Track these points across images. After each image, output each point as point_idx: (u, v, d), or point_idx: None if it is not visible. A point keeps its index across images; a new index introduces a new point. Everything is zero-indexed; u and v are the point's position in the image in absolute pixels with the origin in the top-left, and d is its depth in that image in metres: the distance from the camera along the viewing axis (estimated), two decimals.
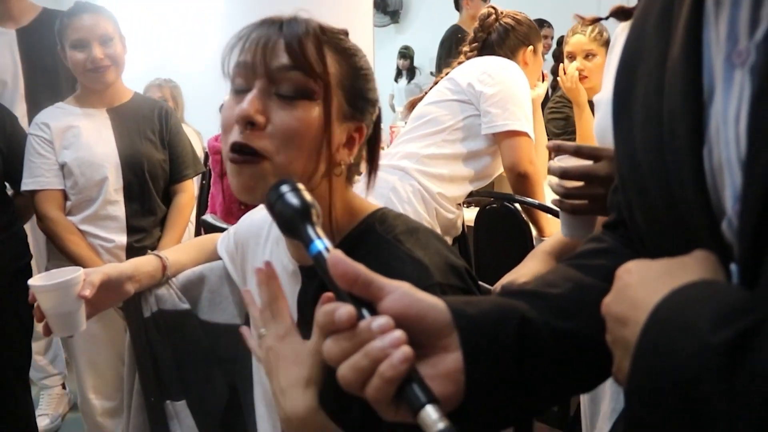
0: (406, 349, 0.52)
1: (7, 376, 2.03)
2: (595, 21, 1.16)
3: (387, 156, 2.08)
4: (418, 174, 2.00)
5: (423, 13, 5.67)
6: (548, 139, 2.30)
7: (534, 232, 2.09)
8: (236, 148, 0.82)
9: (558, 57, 4.10)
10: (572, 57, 2.72)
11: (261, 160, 0.82)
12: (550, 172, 1.07)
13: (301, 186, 0.67)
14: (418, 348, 0.54)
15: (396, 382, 0.51)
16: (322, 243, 0.60)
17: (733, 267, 0.50)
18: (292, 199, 0.65)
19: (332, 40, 0.87)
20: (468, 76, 2.06)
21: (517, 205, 2.06)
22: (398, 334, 0.52)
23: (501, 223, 2.14)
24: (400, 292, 0.56)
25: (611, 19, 1.12)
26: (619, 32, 1.16)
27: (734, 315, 0.43)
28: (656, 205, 0.57)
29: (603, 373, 0.62)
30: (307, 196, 0.66)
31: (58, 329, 1.08)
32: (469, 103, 2.03)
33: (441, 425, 0.49)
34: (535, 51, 2.20)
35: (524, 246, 2.07)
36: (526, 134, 2.00)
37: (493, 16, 2.19)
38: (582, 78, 2.69)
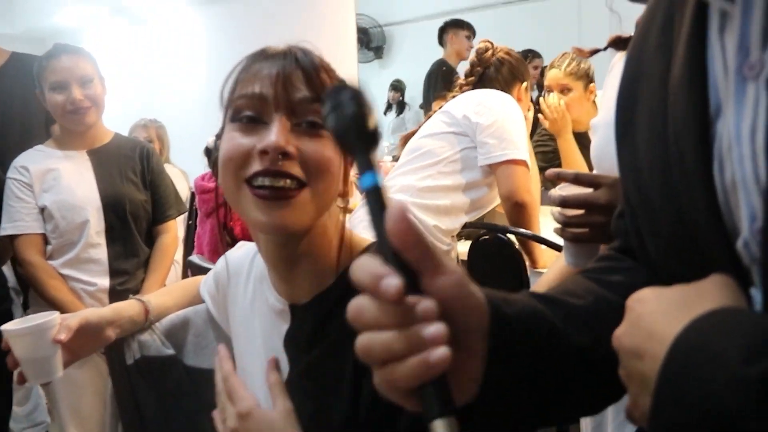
0: (445, 351, 0.44)
1: None
2: (595, 52, 1.16)
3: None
4: (414, 207, 1.97)
5: (406, 48, 5.71)
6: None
7: (528, 262, 2.06)
8: (270, 173, 0.77)
9: (541, 87, 4.12)
10: (550, 91, 2.76)
11: (300, 190, 0.78)
12: (551, 200, 1.06)
13: (365, 94, 0.52)
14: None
15: (424, 380, 0.45)
16: (379, 178, 0.47)
17: (754, 292, 0.47)
18: (363, 105, 0.50)
19: (333, 70, 0.86)
20: (463, 108, 2.06)
21: (511, 236, 2.04)
22: (442, 329, 0.45)
23: (494, 254, 2.11)
24: (455, 278, 0.48)
25: (609, 50, 1.12)
26: (617, 60, 1.16)
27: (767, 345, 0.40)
28: (666, 228, 0.54)
29: (617, 393, 0.58)
30: (371, 115, 0.51)
31: (33, 376, 1.03)
32: (464, 135, 2.03)
33: None
34: (527, 88, 2.25)
35: (518, 277, 2.04)
36: (523, 163, 1.99)
37: (491, 51, 2.21)
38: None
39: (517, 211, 2.00)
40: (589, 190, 1.03)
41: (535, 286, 1.28)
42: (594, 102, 2.78)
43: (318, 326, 0.87)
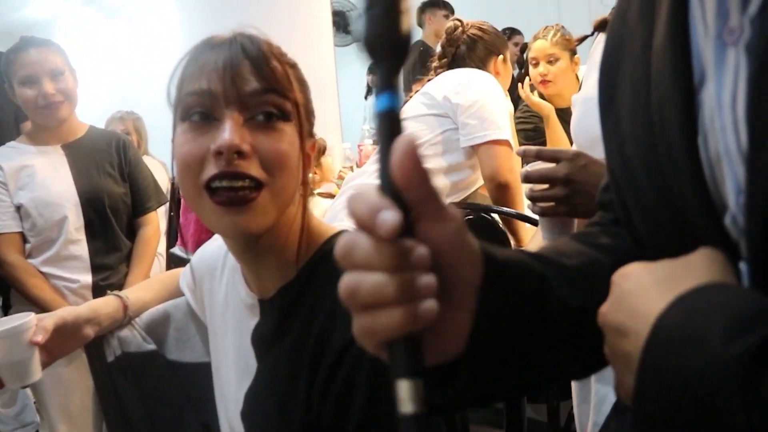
0: (433, 304, 0.42)
1: None
2: (583, 39, 1.17)
3: (363, 175, 2.05)
4: None
5: None
6: None
7: (513, 241, 2.06)
8: (228, 176, 0.73)
9: (522, 64, 4.11)
10: (536, 62, 2.73)
11: (258, 191, 0.75)
12: (520, 177, 1.12)
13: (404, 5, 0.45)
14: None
15: (405, 332, 0.42)
16: (396, 100, 0.44)
17: (743, 266, 0.46)
18: (386, 15, 0.44)
19: (283, 54, 0.83)
20: (443, 89, 2.03)
21: (495, 216, 2.03)
22: (433, 280, 0.42)
23: (479, 234, 2.10)
24: (454, 226, 0.45)
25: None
26: (600, 39, 1.16)
27: (750, 322, 0.38)
28: (651, 202, 0.53)
29: (600, 361, 0.56)
30: (407, 21, 0.45)
31: (11, 380, 1.01)
32: (446, 117, 2.00)
33: (409, 408, 0.41)
34: (504, 59, 2.20)
35: None
36: (506, 143, 1.97)
37: (460, 29, 2.17)
38: (545, 83, 2.69)
39: (501, 191, 1.99)
40: (552, 165, 1.07)
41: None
42: (577, 76, 2.77)
43: (281, 322, 0.86)
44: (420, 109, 2.05)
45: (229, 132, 0.74)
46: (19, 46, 1.91)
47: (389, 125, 0.43)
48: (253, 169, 0.75)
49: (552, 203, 1.08)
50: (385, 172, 0.43)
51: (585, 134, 1.11)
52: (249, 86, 0.76)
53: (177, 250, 2.01)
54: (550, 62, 2.68)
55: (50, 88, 1.88)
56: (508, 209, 2.00)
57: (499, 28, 4.49)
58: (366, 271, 0.42)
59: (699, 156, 0.47)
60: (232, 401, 0.96)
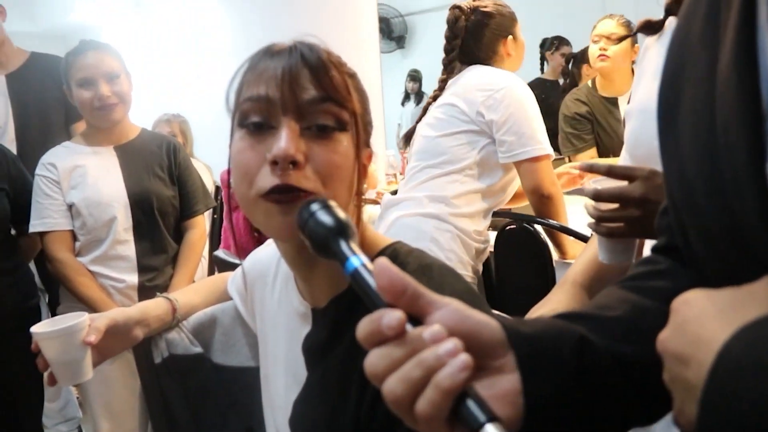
0: (465, 357, 0.45)
1: (21, 419, 2.00)
2: (623, 39, 1.13)
3: (408, 190, 2.00)
4: (452, 218, 1.91)
5: (428, 37, 5.67)
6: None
7: (555, 254, 2.03)
8: (281, 190, 0.74)
9: (568, 74, 4.06)
10: (598, 39, 2.78)
11: (307, 197, 0.75)
12: (584, 194, 1.03)
13: (332, 203, 0.61)
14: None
15: (454, 394, 0.45)
16: (358, 259, 0.54)
17: None
18: (324, 217, 0.59)
19: (343, 64, 0.83)
20: (472, 102, 1.94)
21: (537, 227, 2.01)
22: (455, 342, 0.46)
23: (520, 244, 2.09)
24: (451, 308, 0.50)
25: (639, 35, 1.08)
26: (648, 46, 1.12)
27: None
28: (714, 228, 0.51)
29: (667, 405, 0.56)
30: (341, 213, 0.60)
31: (63, 378, 1.03)
32: (483, 133, 1.94)
33: None
34: (515, 37, 2.07)
35: (544, 268, 2.02)
36: (546, 157, 1.93)
37: (462, 17, 2.03)
38: (603, 57, 2.75)
39: (544, 203, 1.96)
40: (624, 183, 0.99)
41: (562, 279, 1.24)
42: (632, 67, 2.82)
43: (333, 332, 0.85)
44: (455, 123, 1.96)
45: (285, 141, 0.74)
46: (78, 49, 1.96)
47: (360, 279, 0.52)
48: (305, 180, 0.75)
49: (622, 224, 1.01)
50: (374, 300, 0.50)
51: (646, 147, 1.05)
52: (307, 94, 0.76)
53: (221, 253, 2.03)
54: (610, 38, 2.74)
55: (106, 90, 1.92)
56: (550, 221, 1.98)
57: (547, 38, 4.49)
58: (397, 371, 0.47)
59: (766, 182, 0.46)
60: (280, 408, 0.96)
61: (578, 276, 1.20)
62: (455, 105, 1.97)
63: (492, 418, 0.45)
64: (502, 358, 0.51)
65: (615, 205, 1.00)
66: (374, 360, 0.48)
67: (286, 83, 0.76)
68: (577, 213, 2.02)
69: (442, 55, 2.11)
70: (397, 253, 0.85)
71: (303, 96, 0.76)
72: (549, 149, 1.94)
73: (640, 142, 1.05)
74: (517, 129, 1.89)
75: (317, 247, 0.58)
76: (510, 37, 2.05)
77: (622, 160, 1.16)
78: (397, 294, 0.49)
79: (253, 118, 0.77)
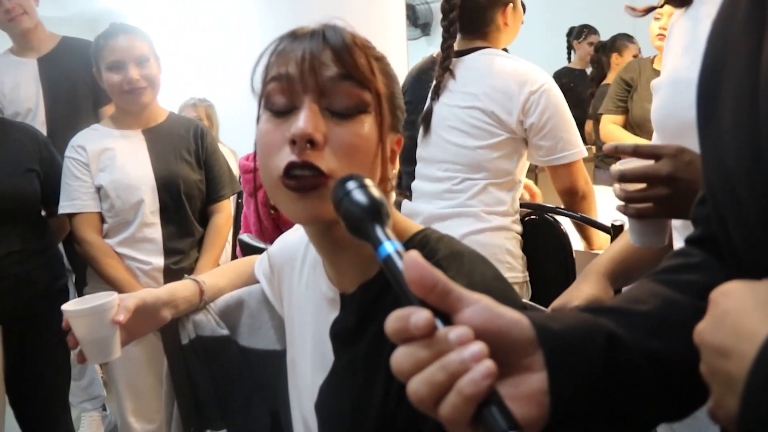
0: (489, 364, 0.45)
1: (49, 397, 2.05)
2: (649, 10, 1.10)
3: (455, 205, 1.90)
4: (512, 224, 1.90)
5: None
6: None
7: (582, 245, 2.02)
8: (297, 166, 0.75)
9: (596, 62, 4.01)
10: (660, 17, 2.78)
11: (325, 181, 0.75)
12: (611, 176, 1.01)
13: (369, 182, 0.60)
14: (499, 366, 0.48)
15: (476, 400, 0.45)
16: (392, 245, 0.53)
17: None
18: (360, 197, 0.58)
19: (369, 47, 0.82)
20: (511, 111, 1.81)
21: (557, 217, 2.00)
22: (480, 346, 0.46)
23: (542, 234, 2.08)
24: (481, 305, 0.50)
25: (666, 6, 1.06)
26: (675, 19, 1.09)
27: None
28: (754, 219, 0.50)
29: (698, 400, 0.55)
30: (376, 193, 0.58)
31: (93, 356, 1.04)
32: (522, 141, 1.86)
33: None
34: (514, 6, 1.93)
35: (564, 258, 2.01)
36: (580, 160, 1.89)
37: None
38: (662, 36, 2.74)
39: (577, 202, 1.93)
40: (650, 162, 0.97)
41: (587, 269, 1.21)
42: None
43: (361, 319, 0.85)
44: (494, 134, 1.83)
45: (303, 121, 0.74)
46: (109, 32, 1.97)
47: (393, 266, 0.51)
48: (323, 160, 0.75)
49: (650, 204, 0.98)
50: (405, 291, 0.50)
51: (676, 119, 1.00)
52: (328, 72, 0.76)
53: (246, 237, 2.04)
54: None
55: (135, 73, 1.93)
56: (571, 212, 1.97)
57: (574, 27, 4.43)
58: (421, 372, 0.47)
59: None
60: (306, 393, 0.96)
61: (603, 267, 1.18)
62: (491, 111, 1.82)
63: (513, 425, 0.45)
64: (532, 356, 0.51)
65: (642, 186, 0.98)
66: (400, 358, 0.48)
67: (307, 62, 0.76)
68: (599, 204, 2.02)
69: None
70: (428, 240, 0.85)
71: (324, 73, 0.76)
72: (584, 150, 1.89)
73: (671, 114, 1.02)
74: (555, 133, 1.82)
75: (351, 228, 0.57)
76: (510, 5, 1.92)
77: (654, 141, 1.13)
78: (426, 288, 0.49)
79: (277, 100, 0.78)
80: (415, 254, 0.49)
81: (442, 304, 0.49)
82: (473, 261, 0.82)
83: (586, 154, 1.91)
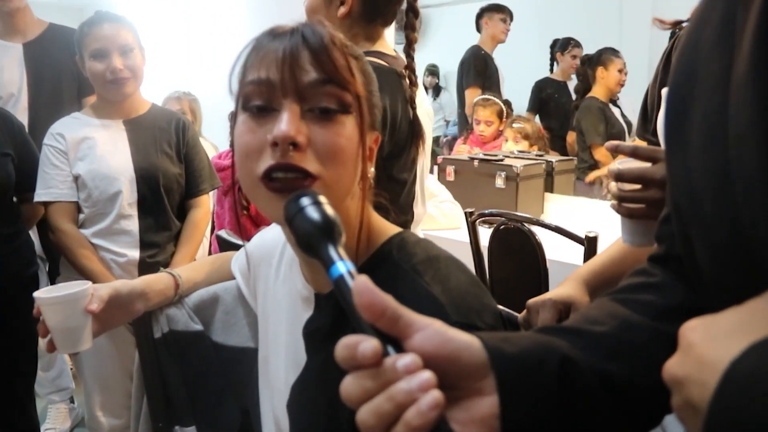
0: (436, 395, 0.45)
1: (15, 386, 2.02)
2: (677, 24, 1.11)
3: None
4: None
5: (443, 31, 5.65)
6: None
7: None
8: (280, 168, 0.74)
9: (583, 75, 4.04)
10: None
11: (312, 182, 0.74)
12: (609, 174, 1.04)
13: (323, 199, 0.60)
14: (450, 390, 0.48)
15: (424, 431, 0.45)
16: (345, 265, 0.53)
17: None
18: (313, 214, 0.58)
19: (347, 45, 0.81)
20: None
21: (531, 226, 2.02)
22: (427, 375, 0.46)
23: (514, 244, 2.10)
24: (431, 330, 0.49)
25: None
26: (683, 35, 1.11)
27: None
28: (719, 238, 0.51)
29: (652, 422, 0.56)
30: (330, 211, 0.58)
31: (63, 346, 1.03)
32: None
33: None
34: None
35: (537, 267, 2.03)
36: None
37: None
38: None
39: None
40: (648, 165, 1.00)
41: (570, 275, 1.23)
42: None
43: (336, 320, 0.85)
44: None
45: (285, 123, 0.73)
46: (93, 20, 1.94)
47: (344, 287, 0.51)
48: (307, 161, 0.74)
49: (643, 205, 1.01)
50: (354, 314, 0.49)
51: None
52: (308, 77, 0.76)
53: (224, 233, 2.02)
54: None
55: (119, 63, 1.91)
56: (545, 222, 2.00)
57: (559, 39, 4.44)
58: (369, 402, 0.47)
59: None
60: (279, 391, 0.96)
61: (582, 276, 1.20)
62: None
63: None
64: (483, 380, 0.51)
65: (637, 186, 1.01)
66: (349, 387, 0.48)
67: (287, 65, 0.75)
68: (575, 214, 2.04)
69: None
70: (404, 243, 0.85)
71: (303, 78, 0.75)
72: None
73: None
74: None
75: (303, 245, 0.57)
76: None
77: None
78: (376, 314, 0.48)
79: (255, 102, 0.77)
80: (364, 279, 0.49)
81: (392, 330, 0.49)
82: (449, 266, 0.82)
83: None
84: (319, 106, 0.76)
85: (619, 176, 1.02)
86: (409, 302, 0.73)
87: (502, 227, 2.15)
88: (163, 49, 4.70)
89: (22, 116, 2.38)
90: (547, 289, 2.06)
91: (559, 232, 2.02)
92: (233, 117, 0.82)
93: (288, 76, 0.75)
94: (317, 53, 0.76)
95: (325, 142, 0.75)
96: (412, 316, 0.50)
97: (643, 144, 1.29)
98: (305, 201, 0.59)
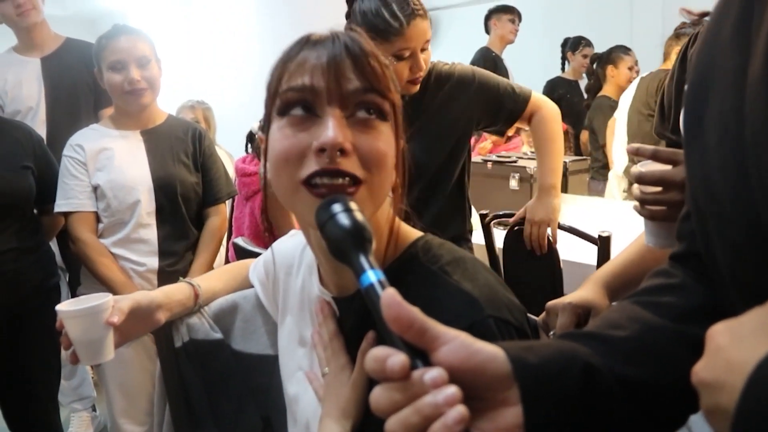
0: (461, 409, 0.47)
1: (38, 395, 2.04)
2: (704, 15, 1.11)
3: None
4: None
5: (453, 33, 5.65)
6: None
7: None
8: (327, 174, 0.73)
9: (591, 74, 4.03)
10: None
11: (357, 187, 0.75)
12: (631, 175, 1.05)
13: (354, 206, 0.61)
14: (476, 401, 0.49)
15: None
16: (375, 274, 0.53)
17: None
18: (345, 221, 0.59)
19: (378, 54, 0.82)
20: None
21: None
22: (453, 390, 0.47)
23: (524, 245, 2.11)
24: (457, 342, 0.51)
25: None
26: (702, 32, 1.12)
27: None
28: (738, 235, 0.51)
29: (676, 424, 0.56)
30: (361, 218, 0.60)
31: (86, 357, 1.05)
32: None
33: None
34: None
35: (552, 268, 2.03)
36: None
37: None
38: None
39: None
40: (668, 167, 1.00)
41: (590, 276, 1.23)
42: None
43: (357, 324, 0.86)
44: None
45: (332, 129, 0.74)
46: (111, 33, 1.98)
47: (374, 297, 0.52)
48: (353, 167, 0.75)
49: (664, 207, 1.02)
50: (383, 325, 0.50)
51: None
52: (351, 84, 0.76)
53: (240, 241, 2.04)
54: None
55: (136, 74, 1.94)
56: (564, 224, 2.00)
57: (570, 38, 4.42)
58: (397, 413, 0.48)
59: None
60: (298, 400, 0.97)
61: (602, 278, 1.20)
62: None
63: None
64: (508, 391, 0.52)
65: (658, 189, 1.01)
66: (378, 398, 0.50)
67: (332, 73, 0.76)
68: (588, 214, 2.04)
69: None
70: (429, 246, 0.86)
71: (347, 86, 0.76)
72: None
73: None
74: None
75: (334, 252, 0.58)
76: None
77: None
78: (403, 327, 0.49)
79: (297, 107, 0.77)
80: (392, 292, 0.50)
81: (419, 342, 0.50)
82: (476, 265, 0.83)
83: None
84: (361, 113, 0.77)
85: (640, 179, 1.03)
86: (443, 302, 0.76)
87: (516, 228, 2.15)
88: (176, 58, 4.74)
89: (41, 129, 2.42)
90: (561, 290, 2.06)
91: (572, 233, 2.02)
92: (266, 121, 0.82)
93: (333, 84, 0.76)
94: (359, 62, 0.77)
95: (370, 148, 0.76)
96: (438, 328, 0.51)
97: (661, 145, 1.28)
98: (337, 208, 0.60)
